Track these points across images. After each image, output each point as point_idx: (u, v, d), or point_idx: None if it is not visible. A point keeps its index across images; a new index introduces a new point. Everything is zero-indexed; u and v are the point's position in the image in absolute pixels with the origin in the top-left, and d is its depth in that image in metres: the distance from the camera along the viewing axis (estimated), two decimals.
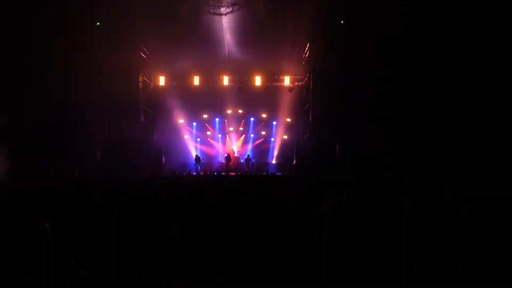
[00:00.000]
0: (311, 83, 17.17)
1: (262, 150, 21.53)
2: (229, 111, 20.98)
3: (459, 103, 7.64)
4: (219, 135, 21.81)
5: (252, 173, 15.68)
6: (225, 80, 17.94)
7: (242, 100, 19.62)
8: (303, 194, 5.51)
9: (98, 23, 12.57)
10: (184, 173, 17.03)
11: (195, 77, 17.73)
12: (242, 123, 21.43)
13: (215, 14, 12.40)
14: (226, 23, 12.86)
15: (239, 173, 15.88)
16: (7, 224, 2.99)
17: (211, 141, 21.74)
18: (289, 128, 20.13)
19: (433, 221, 3.00)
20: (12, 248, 2.68)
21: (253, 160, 20.45)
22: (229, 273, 2.68)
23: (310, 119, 17.65)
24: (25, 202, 4.76)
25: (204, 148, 21.61)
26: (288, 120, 20.12)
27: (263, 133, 21.69)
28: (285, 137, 20.39)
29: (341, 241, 2.80)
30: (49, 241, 2.84)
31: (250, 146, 21.68)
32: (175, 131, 19.88)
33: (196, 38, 13.58)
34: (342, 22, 12.97)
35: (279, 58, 14.95)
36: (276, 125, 21.12)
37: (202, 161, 19.95)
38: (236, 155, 21.02)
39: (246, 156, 20.61)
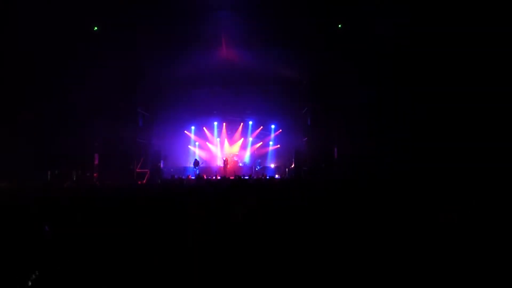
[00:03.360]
0: (309, 86, 17.20)
1: (261, 153, 21.50)
2: (227, 115, 21.01)
3: (461, 104, 7.65)
4: (217, 139, 21.79)
5: (250, 178, 15.67)
6: (223, 84, 17.94)
7: (241, 104, 19.64)
8: (301, 197, 5.50)
9: (96, 28, 12.57)
10: (183, 177, 17.04)
11: (193, 81, 17.73)
12: (241, 126, 21.43)
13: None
14: (223, 27, 12.88)
15: (236, 177, 15.86)
16: (8, 228, 2.98)
17: (209, 145, 21.72)
18: (288, 132, 20.13)
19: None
20: (13, 251, 2.67)
21: (260, 166, 20.31)
22: (228, 274, 2.66)
23: (309, 123, 17.67)
24: (25, 206, 4.75)
25: (202, 152, 21.58)
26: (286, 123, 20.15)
27: (261, 136, 21.69)
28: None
29: (341, 242, 2.79)
30: (50, 243, 2.84)
31: (248, 150, 21.67)
32: (173, 135, 19.87)
33: (194, 42, 13.59)
34: (340, 26, 13.00)
35: (277, 61, 14.96)
36: (275, 128, 21.15)
37: (200, 165, 19.91)
38: (235, 159, 20.99)
39: (256, 161, 20.56)
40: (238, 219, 3.43)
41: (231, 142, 21.72)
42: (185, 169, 20.06)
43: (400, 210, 3.31)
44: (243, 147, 21.71)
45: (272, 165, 20.95)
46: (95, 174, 14.37)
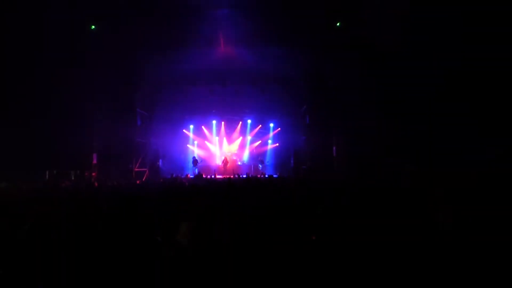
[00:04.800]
0: (308, 85, 17.19)
1: (260, 152, 21.49)
2: (226, 114, 20.98)
3: (462, 103, 7.65)
4: (216, 138, 21.77)
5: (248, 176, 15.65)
6: (221, 82, 17.92)
7: (239, 102, 19.61)
8: (299, 196, 5.48)
9: (93, 26, 12.51)
10: (182, 176, 17.03)
11: (191, 80, 17.71)
12: (239, 125, 21.40)
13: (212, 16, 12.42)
14: (222, 25, 12.85)
15: (236, 176, 15.85)
16: (6, 228, 2.96)
17: (208, 144, 21.69)
18: (286, 130, 20.13)
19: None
20: (17, 252, 2.66)
21: (264, 164, 20.19)
22: (224, 276, 2.64)
23: (307, 121, 17.67)
24: (23, 206, 4.73)
25: (201, 151, 21.56)
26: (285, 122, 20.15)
27: (260, 135, 21.66)
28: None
29: (335, 243, 2.77)
30: (52, 243, 2.82)
31: (247, 149, 21.66)
32: (171, 134, 19.84)
33: (192, 41, 13.56)
34: (338, 24, 12.99)
35: (275, 59, 14.95)
36: (274, 127, 21.13)
37: (199, 164, 19.91)
38: (234, 157, 20.97)
39: (258, 160, 20.47)
40: (238, 218, 3.42)
41: (230, 140, 21.70)
42: (184, 168, 20.05)
43: (402, 210, 3.29)
44: (242, 145, 21.70)
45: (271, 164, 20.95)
46: (93, 174, 14.34)
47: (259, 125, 21.32)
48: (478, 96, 7.35)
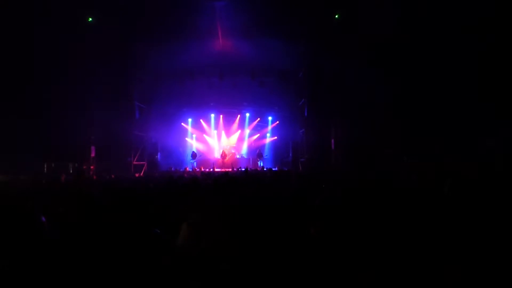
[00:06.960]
0: (306, 78, 17.14)
1: (258, 145, 21.50)
2: (224, 107, 20.93)
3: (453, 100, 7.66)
4: (215, 131, 21.74)
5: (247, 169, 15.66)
6: (220, 75, 17.84)
7: (238, 96, 19.54)
8: (298, 188, 5.48)
9: (90, 19, 12.40)
10: (181, 170, 17.05)
11: (189, 73, 17.61)
12: (238, 118, 21.36)
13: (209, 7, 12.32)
14: (220, 17, 12.75)
15: (235, 169, 15.89)
16: (3, 220, 2.95)
17: (206, 137, 21.67)
18: (285, 123, 20.11)
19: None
20: (9, 244, 2.65)
21: (263, 158, 20.10)
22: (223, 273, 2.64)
23: (306, 114, 17.65)
24: (21, 200, 4.71)
25: (200, 144, 21.55)
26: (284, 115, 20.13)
27: (258, 128, 21.63)
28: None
29: (335, 236, 2.77)
30: (46, 235, 2.81)
31: (246, 142, 21.65)
32: (170, 128, 19.80)
33: (190, 33, 13.46)
34: (337, 16, 12.90)
35: (274, 52, 14.87)
36: (272, 120, 21.11)
37: (198, 157, 19.91)
38: (232, 151, 20.97)
39: (257, 151, 20.38)
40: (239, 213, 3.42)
41: (228, 134, 21.67)
42: (183, 161, 20.05)
43: (401, 205, 3.29)
44: (241, 139, 21.68)
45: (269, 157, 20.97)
46: (91, 167, 14.33)
47: (257, 118, 21.27)
48: (478, 89, 7.36)
